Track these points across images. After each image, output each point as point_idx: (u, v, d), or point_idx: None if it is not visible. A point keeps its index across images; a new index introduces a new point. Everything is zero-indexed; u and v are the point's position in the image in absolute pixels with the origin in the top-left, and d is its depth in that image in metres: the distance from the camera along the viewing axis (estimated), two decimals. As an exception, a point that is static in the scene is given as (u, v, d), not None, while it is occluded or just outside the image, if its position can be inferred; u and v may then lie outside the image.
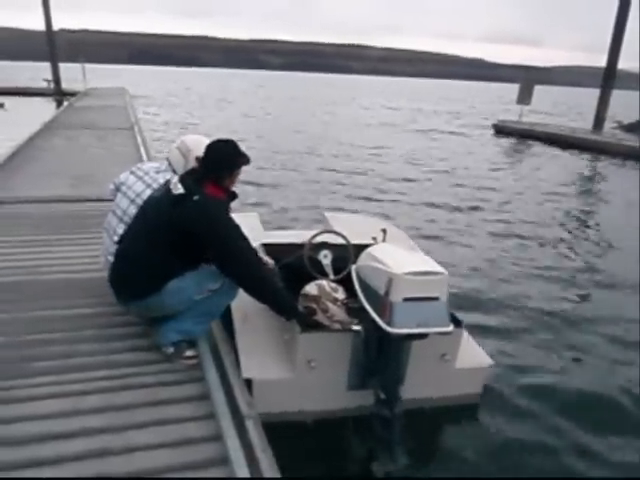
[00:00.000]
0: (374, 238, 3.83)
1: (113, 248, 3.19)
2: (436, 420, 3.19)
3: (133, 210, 3.17)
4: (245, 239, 2.73)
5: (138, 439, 2.27)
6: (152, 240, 2.75)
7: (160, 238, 2.71)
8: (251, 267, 2.74)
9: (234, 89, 52.48)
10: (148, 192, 3.19)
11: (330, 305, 2.96)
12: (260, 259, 2.88)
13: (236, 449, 2.19)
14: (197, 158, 3.05)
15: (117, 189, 3.38)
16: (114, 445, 2.22)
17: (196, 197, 2.66)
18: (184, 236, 2.65)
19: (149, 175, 3.30)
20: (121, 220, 3.21)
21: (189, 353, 2.87)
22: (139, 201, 3.18)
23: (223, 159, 2.77)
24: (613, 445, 3.11)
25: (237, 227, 2.71)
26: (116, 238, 3.18)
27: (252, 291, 2.78)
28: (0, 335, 3.02)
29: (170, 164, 3.41)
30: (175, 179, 2.81)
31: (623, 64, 22.09)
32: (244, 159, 2.80)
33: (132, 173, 3.38)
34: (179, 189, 2.71)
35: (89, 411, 2.41)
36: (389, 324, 2.47)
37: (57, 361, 2.79)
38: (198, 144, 3.22)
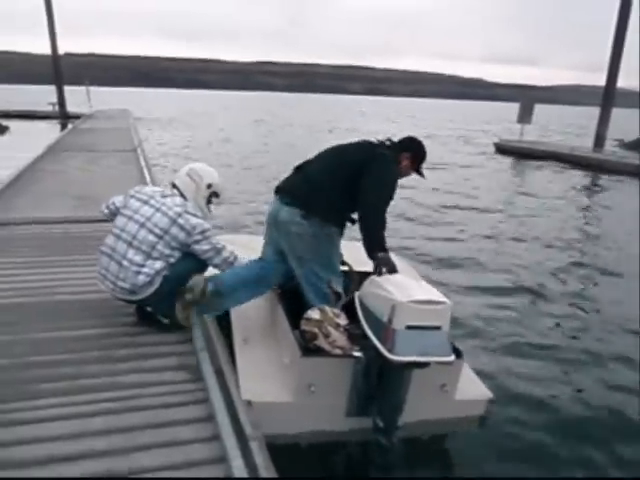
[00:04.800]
0: None
1: (123, 274, 3.19)
2: (432, 450, 3.14)
3: (143, 233, 3.21)
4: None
5: (143, 461, 2.26)
6: (335, 174, 3.19)
7: (341, 173, 3.16)
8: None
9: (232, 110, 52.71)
10: (158, 215, 3.25)
11: (332, 330, 2.95)
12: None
13: (240, 470, 2.18)
14: (209, 185, 3.45)
15: (113, 213, 3.45)
16: (119, 467, 2.21)
17: (387, 153, 3.21)
18: (357, 170, 3.08)
19: (155, 199, 3.33)
20: (130, 245, 3.22)
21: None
22: (149, 225, 3.23)
23: (421, 148, 3.41)
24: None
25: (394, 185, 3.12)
26: (126, 263, 3.19)
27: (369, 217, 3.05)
28: (5, 357, 3.02)
29: (177, 189, 3.46)
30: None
31: (624, 82, 22.18)
32: (422, 159, 3.43)
33: (132, 197, 3.40)
34: (383, 148, 3.25)
35: (94, 433, 2.41)
36: (390, 351, 2.45)
37: (62, 383, 2.79)
38: (207, 171, 3.53)
